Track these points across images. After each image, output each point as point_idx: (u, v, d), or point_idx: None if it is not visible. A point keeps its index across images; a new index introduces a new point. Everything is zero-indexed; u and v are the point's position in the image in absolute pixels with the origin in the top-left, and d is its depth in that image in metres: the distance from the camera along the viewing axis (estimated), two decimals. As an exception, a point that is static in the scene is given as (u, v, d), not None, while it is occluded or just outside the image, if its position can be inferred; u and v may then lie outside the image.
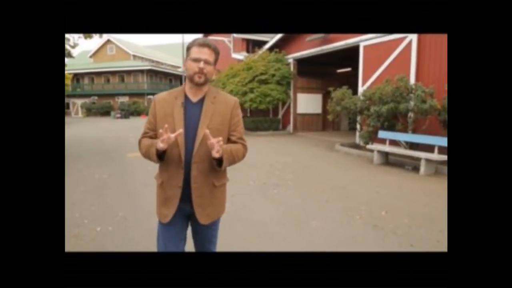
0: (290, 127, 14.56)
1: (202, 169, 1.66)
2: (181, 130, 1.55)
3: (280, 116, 15.19)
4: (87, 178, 5.99)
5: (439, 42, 7.86)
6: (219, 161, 1.61)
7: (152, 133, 1.73)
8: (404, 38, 8.74)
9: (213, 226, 1.84)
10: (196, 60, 1.60)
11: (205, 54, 1.60)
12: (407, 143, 7.47)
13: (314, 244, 3.12)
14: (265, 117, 15.39)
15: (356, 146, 9.15)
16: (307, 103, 14.78)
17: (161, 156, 1.64)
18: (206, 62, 1.61)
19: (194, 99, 1.70)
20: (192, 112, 1.67)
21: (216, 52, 1.67)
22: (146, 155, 1.69)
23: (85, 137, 13.52)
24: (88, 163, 7.47)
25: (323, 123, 15.36)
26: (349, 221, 3.75)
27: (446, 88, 6.37)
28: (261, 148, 10.00)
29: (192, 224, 1.83)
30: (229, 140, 1.73)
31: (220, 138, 1.52)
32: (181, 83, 23.93)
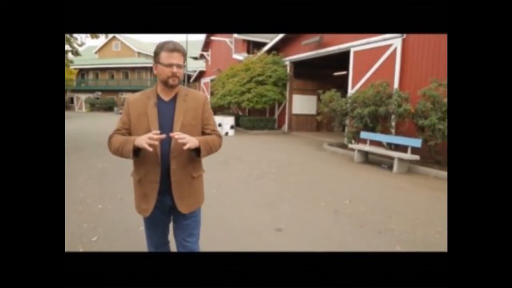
0: (285, 126, 15.14)
1: (180, 162, 1.75)
2: (163, 136, 1.61)
3: (276, 116, 15.78)
4: (90, 166, 6.62)
5: (421, 49, 8.43)
6: (197, 152, 1.71)
7: (124, 131, 1.79)
8: (390, 45, 9.30)
9: (194, 217, 1.91)
10: (169, 66, 1.67)
11: (176, 58, 1.68)
12: (388, 143, 8.04)
13: (278, 221, 3.71)
14: (262, 116, 16.02)
15: (342, 146, 9.71)
16: (302, 104, 15.34)
17: (136, 153, 1.69)
18: (178, 66, 1.69)
19: (166, 98, 1.79)
20: (165, 111, 1.76)
21: (185, 54, 1.75)
22: (119, 150, 1.71)
23: (88, 130, 14.19)
24: (91, 153, 8.10)
25: (317, 123, 15.87)
26: (314, 206, 4.35)
27: (419, 94, 6.95)
28: (254, 145, 10.60)
29: (173, 217, 1.92)
30: (203, 134, 1.83)
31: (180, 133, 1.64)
32: (184, 81, 24.56)
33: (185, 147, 1.60)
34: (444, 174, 6.34)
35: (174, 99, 1.78)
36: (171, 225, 2.00)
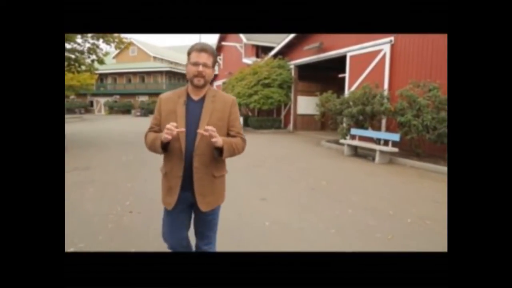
0: (291, 126, 16.21)
1: (203, 161, 1.80)
2: (183, 129, 1.71)
3: (282, 116, 16.87)
4: (117, 159, 7.87)
5: (407, 53, 9.37)
6: (220, 152, 1.75)
7: (157, 128, 1.88)
8: (381, 50, 10.26)
9: (213, 214, 1.98)
10: (195, 64, 1.73)
11: (203, 58, 1.73)
12: (377, 138, 9.01)
13: (264, 194, 4.81)
14: (269, 117, 17.14)
15: (338, 142, 10.69)
16: (307, 105, 16.35)
17: (165, 147, 1.79)
18: (205, 65, 1.74)
19: (195, 98, 1.84)
20: (193, 109, 1.81)
21: (214, 55, 1.78)
22: (151, 146, 1.83)
23: (111, 131, 15.66)
24: (116, 149, 9.39)
25: (322, 123, 16.87)
26: (296, 185, 5.44)
27: (399, 94, 7.93)
28: (259, 142, 11.71)
29: (194, 213, 1.98)
30: (228, 135, 1.87)
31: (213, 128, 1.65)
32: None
33: (212, 140, 1.66)
34: (419, 164, 7.29)
35: (203, 99, 1.84)
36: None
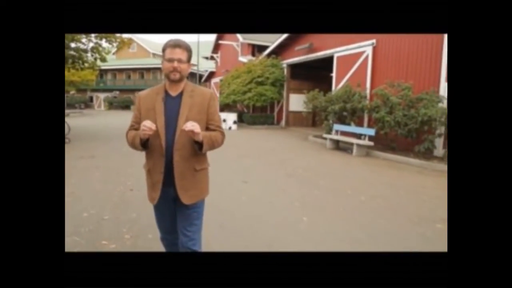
0: (283, 122, 17.01)
1: (183, 155, 1.81)
2: (154, 127, 1.69)
3: (275, 113, 17.67)
4: (118, 149, 8.66)
5: (386, 55, 10.15)
6: (200, 146, 1.77)
7: (137, 126, 1.86)
8: (364, 51, 11.05)
9: (196, 208, 1.98)
10: (170, 60, 1.76)
11: (178, 54, 1.76)
12: (359, 133, 9.81)
13: (247, 178, 5.61)
14: (262, 113, 17.95)
15: (324, 137, 11.51)
16: (299, 102, 17.02)
17: (145, 145, 1.81)
18: (179, 61, 1.76)
19: (173, 93, 1.85)
20: (172, 105, 1.82)
21: (188, 50, 1.81)
22: (132, 144, 1.86)
23: (112, 125, 16.48)
24: (117, 141, 10.17)
25: (313, 119, 17.66)
26: (275, 172, 6.26)
27: (374, 93, 8.72)
28: (251, 137, 12.52)
29: (177, 207, 1.97)
30: (208, 129, 1.88)
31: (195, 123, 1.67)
32: (197, 81, 26.63)
33: (195, 135, 1.69)
34: (391, 156, 8.09)
35: (181, 94, 1.86)
36: None
